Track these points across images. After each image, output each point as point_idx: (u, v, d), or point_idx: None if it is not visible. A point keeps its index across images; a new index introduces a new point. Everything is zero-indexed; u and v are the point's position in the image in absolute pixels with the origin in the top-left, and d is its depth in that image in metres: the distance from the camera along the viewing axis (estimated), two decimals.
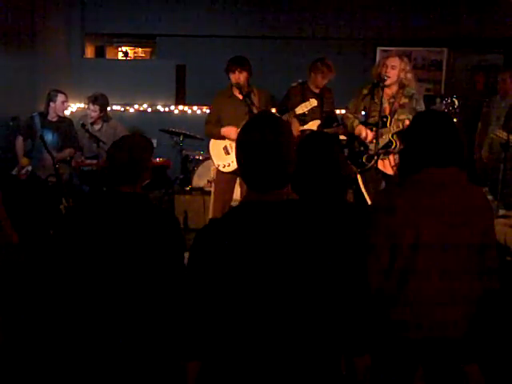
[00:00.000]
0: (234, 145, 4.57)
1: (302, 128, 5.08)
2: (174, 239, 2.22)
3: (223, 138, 4.65)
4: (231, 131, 4.54)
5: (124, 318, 2.14)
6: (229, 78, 4.60)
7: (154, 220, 2.20)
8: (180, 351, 1.76)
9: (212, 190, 5.01)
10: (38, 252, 3.40)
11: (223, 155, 4.70)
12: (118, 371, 2.15)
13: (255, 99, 4.54)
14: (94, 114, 5.45)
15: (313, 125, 5.05)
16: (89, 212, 2.24)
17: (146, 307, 2.16)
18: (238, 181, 4.80)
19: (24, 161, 5.15)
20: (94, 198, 2.34)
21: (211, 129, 4.70)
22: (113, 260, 2.15)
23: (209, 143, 4.83)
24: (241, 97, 4.58)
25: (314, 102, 4.79)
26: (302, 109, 4.80)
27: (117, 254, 2.15)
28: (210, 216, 4.95)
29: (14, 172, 5.14)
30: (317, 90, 5.18)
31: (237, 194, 4.95)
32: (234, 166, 4.61)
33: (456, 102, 3.91)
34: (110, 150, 2.28)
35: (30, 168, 5.08)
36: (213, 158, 4.79)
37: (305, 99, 5.12)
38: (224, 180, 4.75)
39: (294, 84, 5.29)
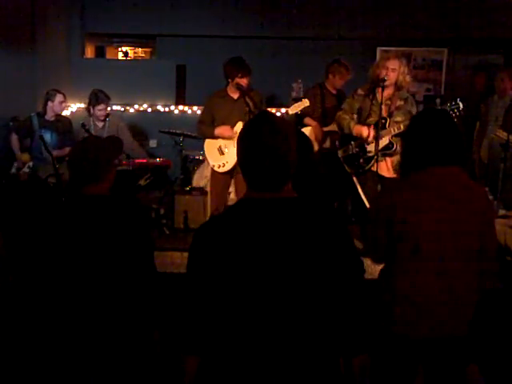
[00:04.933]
0: (228, 144, 4.60)
1: (325, 129, 5.15)
2: (139, 237, 2.22)
3: (217, 137, 4.64)
4: (225, 130, 4.54)
5: (105, 318, 2.15)
6: (227, 80, 4.58)
7: (117, 221, 2.20)
8: (179, 346, 1.77)
9: (209, 190, 5.01)
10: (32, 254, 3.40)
11: (218, 155, 4.69)
12: (106, 370, 2.15)
13: (251, 100, 4.54)
14: (103, 113, 5.44)
15: (334, 127, 5.07)
16: (55, 219, 2.24)
17: (122, 306, 2.18)
18: (232, 180, 4.81)
19: (25, 157, 5.15)
20: (57, 204, 2.33)
21: (205, 129, 4.69)
22: (83, 264, 2.14)
23: (203, 144, 4.82)
24: (235, 97, 4.57)
25: (306, 102, 4.77)
26: (295, 108, 4.76)
27: (85, 257, 2.14)
28: (208, 217, 4.96)
29: (13, 169, 5.13)
30: (334, 91, 5.31)
31: (232, 193, 4.97)
32: (228, 166, 4.62)
33: (461, 105, 3.89)
34: (71, 152, 2.32)
35: (31, 164, 5.08)
36: (208, 158, 4.79)
37: (324, 100, 5.17)
38: (219, 180, 4.76)
39: (312, 86, 5.40)
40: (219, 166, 4.69)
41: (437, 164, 2.14)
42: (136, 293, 2.19)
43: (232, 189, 5.01)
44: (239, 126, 4.54)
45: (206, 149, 4.79)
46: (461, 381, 2.24)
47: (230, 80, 4.53)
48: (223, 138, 4.61)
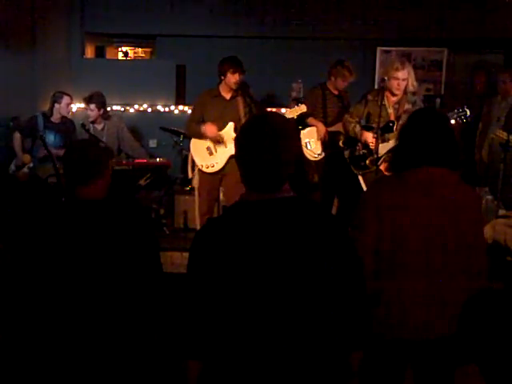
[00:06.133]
0: (217, 146, 4.50)
1: (328, 129, 5.14)
2: (142, 241, 2.19)
3: (205, 137, 4.55)
4: (210, 130, 4.42)
5: (107, 323, 2.12)
6: (220, 78, 4.55)
7: (118, 225, 2.17)
8: (181, 351, 1.76)
9: (196, 191, 4.90)
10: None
11: (207, 156, 4.60)
12: (108, 374, 2.14)
13: (242, 98, 4.53)
14: (93, 113, 5.42)
15: (339, 127, 5.07)
16: (54, 227, 2.18)
17: (126, 311, 2.15)
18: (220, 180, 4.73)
19: (26, 158, 5.15)
20: (51, 210, 2.28)
21: (194, 128, 4.57)
22: (84, 270, 2.11)
23: (190, 143, 4.75)
24: (228, 97, 4.55)
25: (303, 108, 4.73)
26: (291, 113, 4.73)
27: (86, 264, 2.11)
28: (197, 218, 4.88)
29: (12, 166, 5.13)
30: (336, 92, 5.27)
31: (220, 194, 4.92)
32: (218, 166, 4.55)
33: (468, 112, 3.90)
34: (65, 151, 2.30)
35: (31, 165, 5.08)
36: (195, 158, 4.68)
37: (326, 101, 5.16)
38: (208, 180, 4.68)
39: (313, 86, 5.35)
40: (208, 167, 4.59)
41: (427, 164, 2.13)
42: (141, 297, 2.16)
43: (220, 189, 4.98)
44: (230, 126, 4.50)
45: (193, 148, 4.69)
46: (450, 381, 2.24)
47: (222, 77, 4.50)
48: (207, 136, 4.48)
